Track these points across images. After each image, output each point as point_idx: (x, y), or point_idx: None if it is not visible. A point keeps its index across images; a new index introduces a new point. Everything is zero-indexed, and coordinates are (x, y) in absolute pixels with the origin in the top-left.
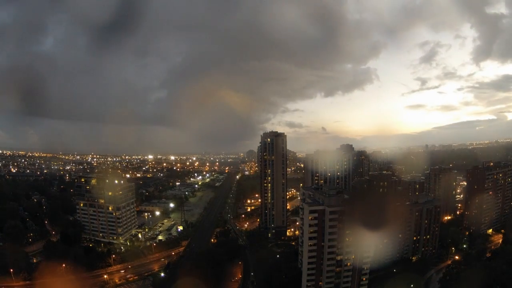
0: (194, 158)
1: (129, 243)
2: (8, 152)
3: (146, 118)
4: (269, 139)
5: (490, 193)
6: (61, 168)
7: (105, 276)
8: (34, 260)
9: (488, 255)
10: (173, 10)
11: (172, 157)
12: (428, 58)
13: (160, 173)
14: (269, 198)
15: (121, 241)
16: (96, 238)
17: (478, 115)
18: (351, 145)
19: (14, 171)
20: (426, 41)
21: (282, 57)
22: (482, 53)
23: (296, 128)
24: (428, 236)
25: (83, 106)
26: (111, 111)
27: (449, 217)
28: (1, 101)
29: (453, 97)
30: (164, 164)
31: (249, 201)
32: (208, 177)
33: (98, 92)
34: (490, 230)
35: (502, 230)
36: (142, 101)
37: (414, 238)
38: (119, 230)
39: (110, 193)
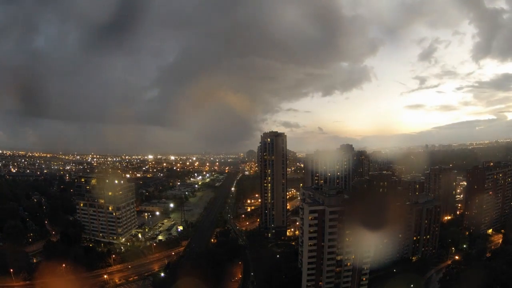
0: (194, 158)
1: (129, 243)
2: (8, 152)
3: (146, 118)
4: (269, 139)
5: (490, 193)
6: (61, 168)
7: (105, 276)
8: (34, 260)
9: (488, 255)
10: (172, 9)
11: (172, 157)
12: (427, 55)
13: (160, 173)
14: (269, 198)
15: (121, 241)
16: (96, 238)
17: (477, 115)
18: (351, 145)
19: (14, 171)
20: (424, 37)
21: (277, 55)
22: (481, 51)
23: (292, 127)
24: (428, 236)
25: (83, 106)
26: (111, 111)
27: (449, 217)
28: (1, 101)
29: (452, 97)
30: (164, 164)
31: (249, 201)
32: (208, 177)
33: (98, 92)
34: (490, 230)
35: (502, 230)
36: (141, 101)
37: (414, 238)
38: (119, 230)
39: (110, 193)
